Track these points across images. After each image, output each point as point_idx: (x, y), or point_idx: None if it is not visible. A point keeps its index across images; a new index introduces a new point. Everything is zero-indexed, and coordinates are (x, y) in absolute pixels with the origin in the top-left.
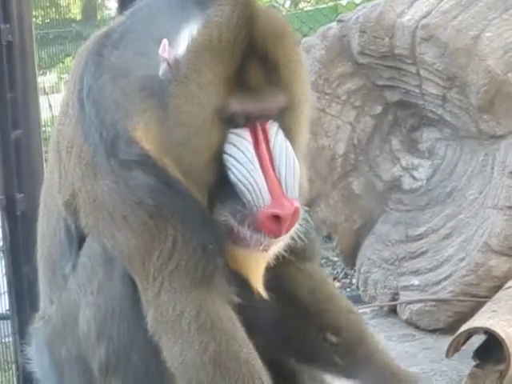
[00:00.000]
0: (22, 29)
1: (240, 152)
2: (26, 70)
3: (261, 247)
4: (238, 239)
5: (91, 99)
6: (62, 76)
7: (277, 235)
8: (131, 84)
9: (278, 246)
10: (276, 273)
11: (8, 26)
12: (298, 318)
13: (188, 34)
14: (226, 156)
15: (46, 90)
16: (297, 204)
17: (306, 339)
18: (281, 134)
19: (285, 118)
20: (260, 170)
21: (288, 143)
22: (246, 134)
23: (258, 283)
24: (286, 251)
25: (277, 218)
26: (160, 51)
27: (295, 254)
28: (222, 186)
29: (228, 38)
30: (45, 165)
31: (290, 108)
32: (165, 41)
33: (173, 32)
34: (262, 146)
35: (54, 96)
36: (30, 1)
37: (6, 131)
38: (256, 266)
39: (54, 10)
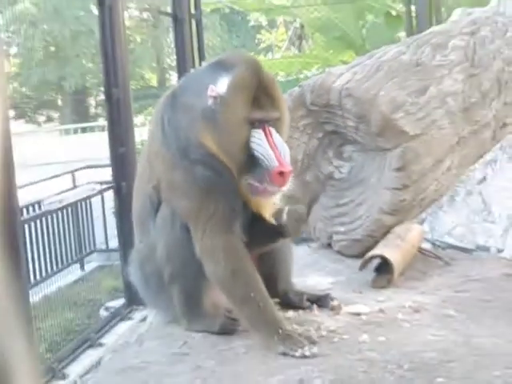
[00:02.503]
0: (125, 91)
1: (259, 140)
2: (128, 114)
3: (271, 194)
4: (257, 192)
5: (170, 126)
6: (146, 118)
7: (282, 185)
8: (195, 114)
9: (281, 193)
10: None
11: (116, 89)
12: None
13: (225, 82)
14: (251, 144)
15: (137, 125)
16: (290, 167)
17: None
18: (276, 133)
19: (277, 126)
20: (270, 149)
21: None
22: (260, 131)
23: (269, 216)
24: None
25: (282, 173)
26: (208, 92)
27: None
28: (248, 163)
29: (248, 82)
30: (138, 166)
31: (280, 119)
32: (211, 86)
33: (213, 82)
34: (270, 137)
35: (142, 128)
36: (129, 75)
37: (116, 148)
38: (267, 206)
39: (141, 80)
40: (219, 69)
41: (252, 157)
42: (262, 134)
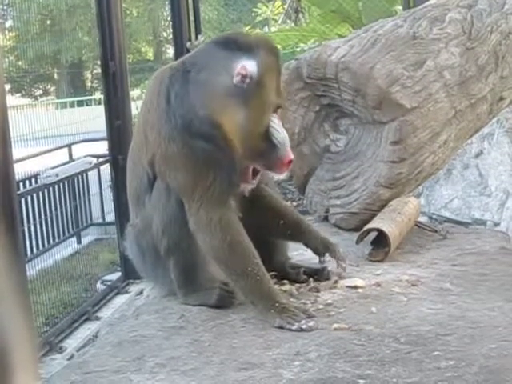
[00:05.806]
0: (121, 64)
1: (278, 127)
2: (124, 87)
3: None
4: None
5: (178, 99)
6: (142, 91)
7: (285, 172)
8: (214, 91)
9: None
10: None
11: (113, 62)
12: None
13: (254, 63)
14: (271, 129)
15: (134, 98)
16: None
17: (270, 227)
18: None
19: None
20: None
21: None
22: (277, 117)
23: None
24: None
25: (290, 162)
26: (238, 69)
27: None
28: (259, 147)
29: (276, 67)
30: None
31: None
32: (242, 64)
33: (234, 61)
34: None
35: (138, 101)
36: (125, 48)
37: (112, 121)
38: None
39: (138, 54)
40: (236, 49)
41: (264, 142)
42: (277, 119)
